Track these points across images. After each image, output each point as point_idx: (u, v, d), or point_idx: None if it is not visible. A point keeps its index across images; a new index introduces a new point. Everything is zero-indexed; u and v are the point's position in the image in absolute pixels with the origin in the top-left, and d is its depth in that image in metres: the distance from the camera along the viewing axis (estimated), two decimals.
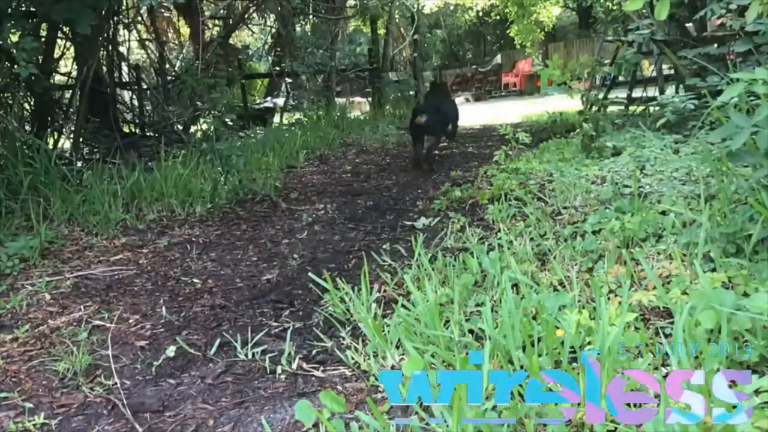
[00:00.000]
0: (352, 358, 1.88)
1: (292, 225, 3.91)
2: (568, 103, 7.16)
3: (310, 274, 2.57)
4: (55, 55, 5.72)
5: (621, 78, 6.63)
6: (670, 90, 6.15)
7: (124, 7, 6.49)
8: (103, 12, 5.19)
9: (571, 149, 4.85)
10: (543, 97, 14.86)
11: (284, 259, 3.19)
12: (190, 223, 3.98)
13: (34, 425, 1.69)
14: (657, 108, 5.06)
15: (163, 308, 2.53)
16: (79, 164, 4.82)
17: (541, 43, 20.07)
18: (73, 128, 5.47)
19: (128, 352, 2.15)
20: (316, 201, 4.56)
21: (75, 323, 2.41)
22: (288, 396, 1.75)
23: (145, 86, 7.65)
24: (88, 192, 4.00)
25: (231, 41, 9.15)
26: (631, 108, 6.19)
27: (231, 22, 8.56)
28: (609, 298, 1.90)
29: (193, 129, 6.64)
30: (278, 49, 10.55)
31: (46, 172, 4.09)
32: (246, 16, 8.97)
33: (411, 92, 11.62)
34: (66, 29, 5.28)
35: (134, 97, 7.73)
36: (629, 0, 1.89)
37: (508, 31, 19.47)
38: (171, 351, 2.10)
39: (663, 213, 2.59)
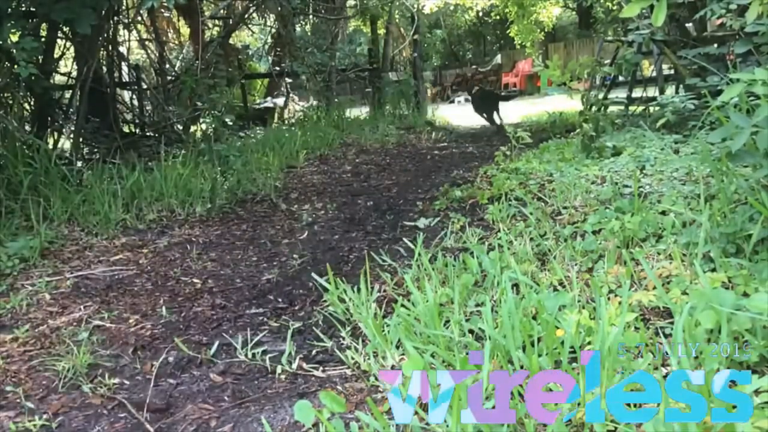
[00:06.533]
0: (352, 358, 1.88)
1: (292, 225, 3.91)
2: (568, 103, 7.17)
3: (312, 274, 2.57)
4: (55, 55, 5.72)
5: (621, 78, 6.62)
6: (670, 90, 6.15)
7: (124, 7, 6.48)
8: (103, 12, 5.19)
9: (571, 149, 4.85)
10: (543, 97, 14.85)
11: (284, 259, 3.19)
12: (190, 223, 3.98)
13: (34, 425, 1.69)
14: (657, 108, 5.06)
15: (163, 308, 2.53)
16: (79, 164, 4.81)
17: (541, 43, 20.08)
18: (73, 128, 5.47)
19: (128, 352, 2.15)
20: (316, 201, 4.56)
21: (75, 323, 2.41)
22: (288, 396, 1.75)
23: (145, 86, 7.64)
24: (88, 192, 4.00)
25: (231, 41, 9.14)
26: (631, 108, 6.18)
27: (231, 22, 8.55)
28: (609, 298, 1.90)
29: (193, 129, 6.64)
30: (278, 49, 10.54)
31: (46, 172, 4.09)
32: (246, 16, 8.97)
33: (411, 92, 11.60)
34: (66, 29, 5.27)
35: (134, 97, 7.72)
36: (626, 6, 1.89)
37: (508, 31, 19.46)
38: (171, 351, 2.10)
39: (663, 213, 2.59)
